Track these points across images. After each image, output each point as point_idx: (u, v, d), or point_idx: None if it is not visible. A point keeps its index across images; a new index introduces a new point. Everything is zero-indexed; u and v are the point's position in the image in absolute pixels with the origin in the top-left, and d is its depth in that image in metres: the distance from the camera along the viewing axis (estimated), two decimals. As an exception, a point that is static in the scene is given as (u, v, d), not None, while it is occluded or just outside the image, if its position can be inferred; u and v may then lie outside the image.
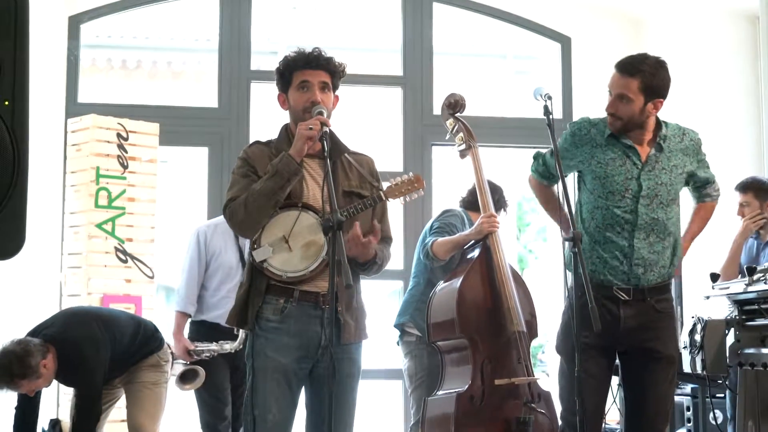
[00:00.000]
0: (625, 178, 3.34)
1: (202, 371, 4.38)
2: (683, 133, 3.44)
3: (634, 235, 3.31)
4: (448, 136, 4.10)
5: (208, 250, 4.50)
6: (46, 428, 5.17)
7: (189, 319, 4.54)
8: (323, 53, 3.06)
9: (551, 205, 3.56)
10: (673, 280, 3.45)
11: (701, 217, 3.56)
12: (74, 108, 5.95)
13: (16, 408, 4.03)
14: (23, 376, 3.76)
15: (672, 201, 3.36)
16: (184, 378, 4.44)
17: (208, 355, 4.42)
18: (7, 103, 1.77)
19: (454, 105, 4.07)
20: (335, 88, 3.11)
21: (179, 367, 4.44)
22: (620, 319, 3.28)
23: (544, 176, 3.55)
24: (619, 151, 3.37)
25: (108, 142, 5.44)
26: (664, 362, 3.32)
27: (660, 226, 3.33)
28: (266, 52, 7.87)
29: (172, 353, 4.40)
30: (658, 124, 3.42)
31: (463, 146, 4.00)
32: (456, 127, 4.05)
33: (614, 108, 3.33)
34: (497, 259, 3.69)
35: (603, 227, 3.35)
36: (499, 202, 4.26)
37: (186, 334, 4.51)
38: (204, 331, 4.50)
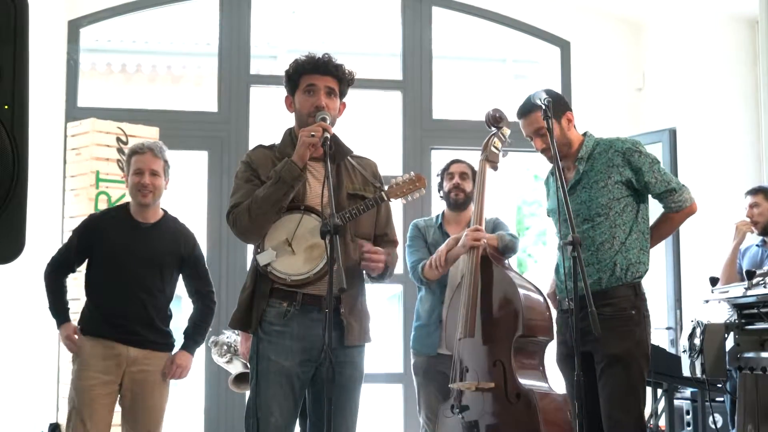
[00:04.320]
0: (557, 205, 3.51)
1: None
2: (610, 146, 3.50)
3: (566, 255, 3.38)
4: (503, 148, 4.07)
5: None
6: (45, 431, 5.18)
7: None
8: (333, 59, 3.09)
9: None
10: (634, 285, 3.42)
11: (664, 229, 3.60)
12: (74, 112, 5.96)
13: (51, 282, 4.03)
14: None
15: (598, 215, 3.45)
16: (240, 379, 4.41)
17: None
18: (6, 107, 1.77)
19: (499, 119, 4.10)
20: (342, 95, 3.14)
21: (240, 367, 4.41)
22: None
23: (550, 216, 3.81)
24: (554, 181, 3.56)
25: (108, 146, 5.45)
26: (606, 363, 3.31)
27: (588, 241, 3.44)
28: (266, 57, 7.88)
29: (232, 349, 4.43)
30: (583, 142, 3.55)
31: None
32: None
33: (540, 144, 3.52)
34: (470, 271, 3.78)
35: (560, 250, 3.50)
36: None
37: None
38: None
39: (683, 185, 3.50)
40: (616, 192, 3.44)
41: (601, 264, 3.41)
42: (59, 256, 4.05)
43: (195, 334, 4.07)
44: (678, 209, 3.49)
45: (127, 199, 5.27)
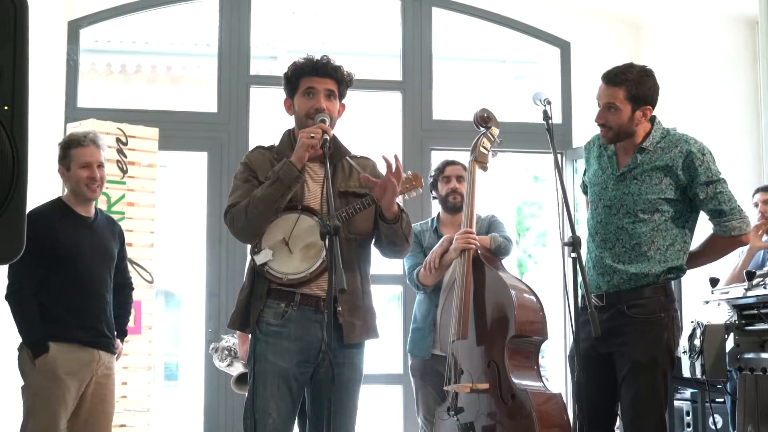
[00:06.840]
0: (601, 188, 3.43)
1: None
2: (676, 144, 3.33)
3: (600, 244, 3.37)
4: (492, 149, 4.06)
5: None
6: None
7: None
8: (332, 61, 3.09)
9: None
10: (665, 285, 3.33)
11: (708, 250, 3.44)
12: (73, 113, 5.96)
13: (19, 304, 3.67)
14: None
15: (642, 212, 3.29)
16: (242, 380, 4.42)
17: None
18: (6, 108, 1.77)
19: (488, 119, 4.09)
20: (342, 96, 3.14)
21: (241, 368, 4.42)
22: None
23: (584, 191, 3.68)
24: (605, 160, 3.47)
25: (107, 146, 5.43)
26: (631, 367, 3.25)
27: (625, 235, 3.32)
28: (265, 57, 7.89)
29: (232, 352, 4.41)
30: (651, 131, 3.38)
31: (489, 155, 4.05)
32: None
33: (603, 118, 3.37)
34: (461, 274, 3.79)
35: (589, 236, 3.44)
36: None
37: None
38: None
39: (737, 211, 3.32)
40: (669, 193, 3.29)
41: (632, 264, 3.29)
42: (17, 272, 3.62)
43: (125, 324, 4.01)
44: (722, 233, 3.35)
45: (128, 199, 5.35)
